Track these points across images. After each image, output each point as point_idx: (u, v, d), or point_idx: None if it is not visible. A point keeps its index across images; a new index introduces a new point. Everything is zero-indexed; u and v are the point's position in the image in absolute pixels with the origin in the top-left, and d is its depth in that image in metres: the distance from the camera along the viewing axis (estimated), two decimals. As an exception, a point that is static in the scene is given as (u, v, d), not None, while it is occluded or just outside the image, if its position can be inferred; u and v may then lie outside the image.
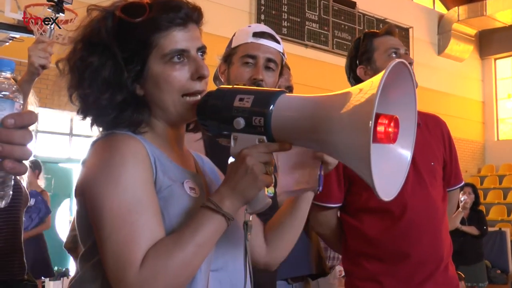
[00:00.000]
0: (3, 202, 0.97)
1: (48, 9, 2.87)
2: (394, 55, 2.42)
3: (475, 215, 7.38)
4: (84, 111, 1.34)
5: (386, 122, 1.13)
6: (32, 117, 0.96)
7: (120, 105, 1.30)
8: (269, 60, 2.07)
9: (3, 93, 0.95)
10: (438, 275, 2.33)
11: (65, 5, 2.77)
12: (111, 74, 1.30)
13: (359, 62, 2.50)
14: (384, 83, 1.07)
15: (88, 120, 1.36)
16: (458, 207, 6.49)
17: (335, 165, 1.47)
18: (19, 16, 4.84)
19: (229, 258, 1.37)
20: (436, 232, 2.36)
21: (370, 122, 1.05)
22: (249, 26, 2.17)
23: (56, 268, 7.35)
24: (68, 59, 1.35)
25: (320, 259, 3.16)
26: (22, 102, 0.98)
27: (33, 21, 4.23)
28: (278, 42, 2.12)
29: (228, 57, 2.12)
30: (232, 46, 2.12)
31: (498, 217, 13.52)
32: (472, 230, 7.26)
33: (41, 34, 4.11)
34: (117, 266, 1.17)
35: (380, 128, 1.13)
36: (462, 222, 7.13)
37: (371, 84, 1.10)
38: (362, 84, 1.14)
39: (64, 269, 7.32)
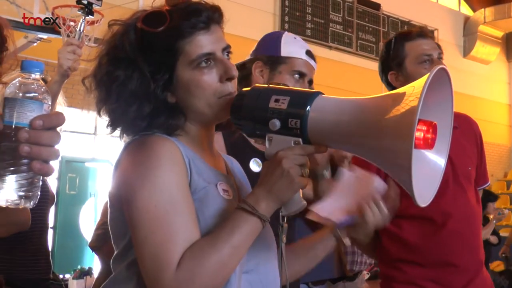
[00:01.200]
0: (32, 203, 0.97)
1: (78, 11, 2.90)
2: (426, 63, 2.33)
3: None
4: (113, 124, 1.35)
5: (425, 128, 1.13)
6: (60, 119, 0.96)
7: (149, 115, 1.31)
8: (311, 80, 2.15)
9: (33, 94, 0.95)
10: (477, 279, 2.30)
11: (94, 7, 2.79)
12: (138, 86, 1.30)
13: (391, 68, 2.42)
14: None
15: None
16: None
17: (366, 228, 1.47)
18: (47, 17, 4.90)
19: (260, 260, 1.37)
20: (476, 238, 2.34)
21: (413, 130, 1.05)
22: (295, 38, 2.19)
23: (79, 266, 7.42)
24: (94, 75, 1.35)
25: (341, 263, 3.15)
26: (50, 103, 0.98)
27: (60, 21, 4.28)
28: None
29: (275, 64, 2.12)
30: (282, 55, 2.12)
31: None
32: (493, 239, 7.29)
33: (68, 35, 4.17)
34: (154, 267, 1.18)
35: (419, 134, 1.12)
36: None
37: (413, 90, 1.09)
38: (403, 89, 1.13)
39: (87, 268, 7.36)
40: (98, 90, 1.35)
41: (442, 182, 2.26)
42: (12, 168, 0.94)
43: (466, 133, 2.43)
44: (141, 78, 1.31)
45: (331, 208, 1.48)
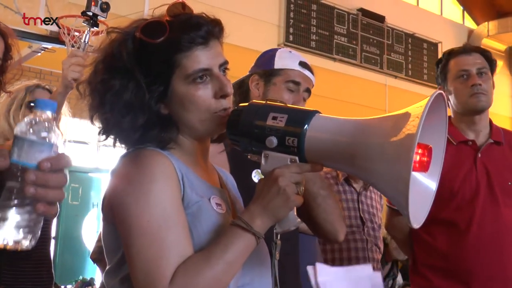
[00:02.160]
0: (32, 243, 0.96)
1: (83, 23, 2.90)
2: (463, 77, 2.41)
3: None
4: (106, 132, 1.34)
5: (421, 151, 1.15)
6: (68, 161, 0.96)
7: (143, 126, 1.30)
8: (307, 89, 2.17)
9: (43, 134, 0.94)
10: None
11: (100, 19, 2.79)
12: (133, 96, 1.29)
13: (440, 82, 2.53)
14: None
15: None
16: None
17: None
18: (52, 27, 4.91)
19: (255, 275, 1.36)
20: (505, 251, 2.32)
21: (412, 155, 1.06)
22: (290, 52, 2.24)
23: (81, 277, 7.39)
24: (89, 81, 1.35)
25: None
26: (58, 144, 0.97)
27: (65, 31, 4.29)
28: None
29: (269, 76, 2.17)
30: (276, 67, 2.16)
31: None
32: None
33: (72, 45, 4.17)
34: (147, 282, 1.17)
35: (415, 157, 1.13)
36: None
37: (412, 115, 1.10)
38: (403, 112, 1.14)
39: (89, 279, 7.34)
40: (92, 97, 1.33)
41: (473, 189, 2.32)
42: (15, 208, 0.93)
43: None
44: (136, 88, 1.29)
45: None
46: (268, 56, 2.23)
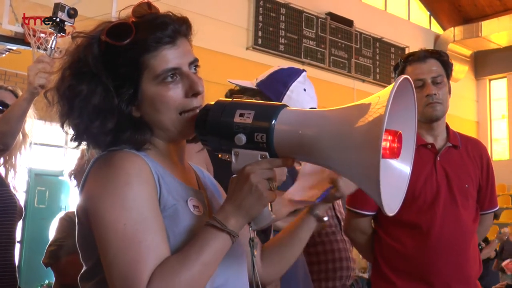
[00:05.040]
0: None
1: (49, 29, 2.85)
2: (419, 87, 2.41)
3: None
4: (77, 138, 1.32)
5: (391, 138, 1.13)
6: None
7: (114, 130, 1.28)
8: None
9: None
10: None
11: (67, 24, 2.75)
12: (101, 101, 1.27)
13: None
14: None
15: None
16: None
17: (343, 196, 1.49)
18: (16, 28, 4.84)
19: (230, 275, 1.35)
20: (464, 251, 2.38)
21: (380, 140, 1.04)
22: (305, 90, 2.22)
23: (46, 281, 7.29)
24: (57, 88, 1.32)
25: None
26: None
27: (30, 33, 4.23)
28: None
29: None
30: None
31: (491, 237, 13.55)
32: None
33: (38, 47, 4.12)
34: (124, 286, 1.15)
35: (385, 144, 1.12)
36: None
37: (378, 101, 1.09)
38: (368, 100, 1.13)
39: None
40: (61, 104, 1.31)
41: (434, 192, 2.34)
42: None
43: (471, 154, 2.53)
44: (104, 92, 1.27)
45: (303, 190, 1.50)
46: (281, 84, 2.15)
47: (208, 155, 1.88)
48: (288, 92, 2.14)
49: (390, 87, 1.08)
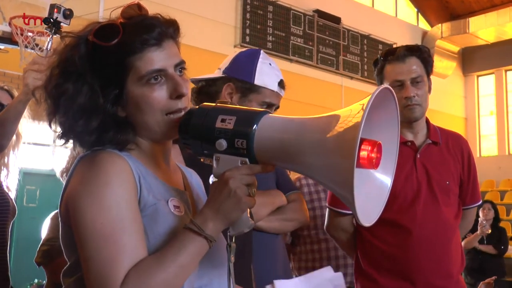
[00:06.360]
0: None
1: (45, 30, 2.84)
2: (398, 87, 2.41)
3: (496, 232, 7.26)
4: (64, 136, 1.34)
5: (369, 148, 1.14)
6: None
7: (98, 129, 1.30)
8: (278, 107, 2.20)
9: None
10: None
11: (62, 25, 2.74)
12: (87, 100, 1.29)
13: (378, 84, 2.47)
14: (370, 106, 1.08)
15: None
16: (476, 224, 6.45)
17: None
18: (4, 27, 4.81)
19: (214, 276, 1.37)
20: (445, 248, 2.39)
21: (355, 148, 1.06)
22: (271, 65, 2.21)
23: (36, 280, 7.27)
24: (45, 86, 1.34)
25: None
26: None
27: (18, 32, 4.21)
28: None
29: (247, 91, 2.15)
30: (256, 83, 2.14)
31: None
32: (489, 249, 7.18)
33: (26, 46, 4.09)
34: (99, 284, 1.18)
35: (363, 154, 1.13)
36: (481, 240, 7.07)
37: (357, 109, 1.10)
38: (348, 109, 1.14)
39: (44, 282, 7.24)
40: (48, 102, 1.34)
41: (414, 190, 2.34)
42: None
43: (452, 150, 2.52)
44: (90, 92, 1.30)
45: None
46: (248, 64, 2.18)
47: (181, 154, 1.88)
48: (257, 69, 2.16)
49: (369, 96, 1.10)
